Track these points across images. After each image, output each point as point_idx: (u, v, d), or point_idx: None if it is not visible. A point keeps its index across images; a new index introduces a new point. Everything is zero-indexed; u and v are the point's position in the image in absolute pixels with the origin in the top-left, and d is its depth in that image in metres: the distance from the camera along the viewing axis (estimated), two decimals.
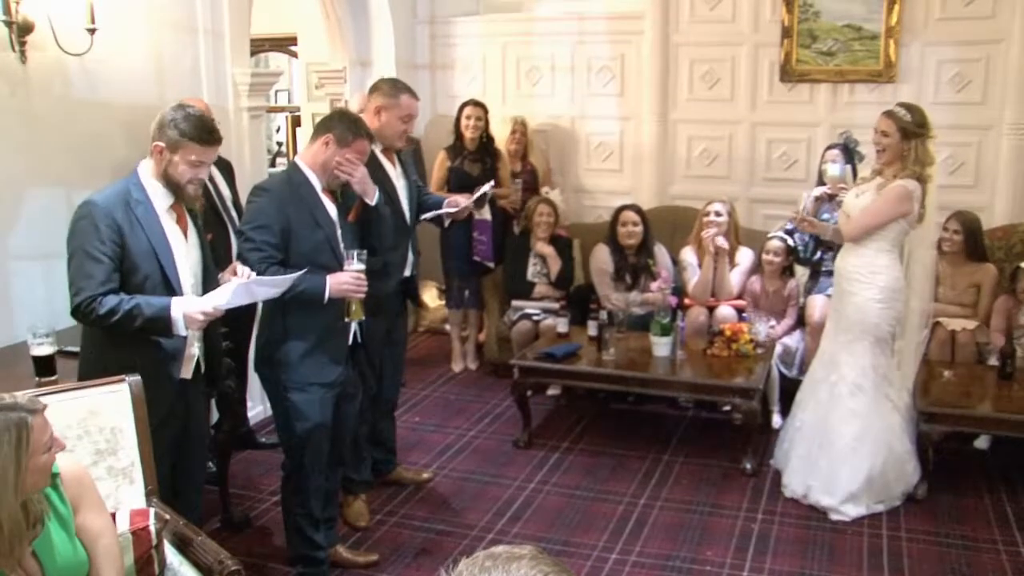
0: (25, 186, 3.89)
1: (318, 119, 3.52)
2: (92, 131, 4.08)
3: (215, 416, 3.99)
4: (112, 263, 2.74)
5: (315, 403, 3.33)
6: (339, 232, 3.35)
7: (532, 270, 5.76)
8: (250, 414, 4.94)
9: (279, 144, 9.85)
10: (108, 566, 2.25)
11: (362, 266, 3.27)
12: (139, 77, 4.36)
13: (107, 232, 2.73)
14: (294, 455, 3.41)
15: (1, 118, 3.75)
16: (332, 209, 3.34)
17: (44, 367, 3.19)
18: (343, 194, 3.44)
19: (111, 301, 2.72)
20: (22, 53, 3.74)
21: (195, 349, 2.98)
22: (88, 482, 2.31)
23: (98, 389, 2.62)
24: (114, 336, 2.79)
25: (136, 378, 2.66)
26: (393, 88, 3.97)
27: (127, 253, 2.77)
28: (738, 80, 6.13)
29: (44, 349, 3.19)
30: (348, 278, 3.23)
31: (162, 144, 2.82)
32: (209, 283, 2.98)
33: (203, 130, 2.84)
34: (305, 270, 3.11)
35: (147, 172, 2.87)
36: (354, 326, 3.43)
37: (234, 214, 4.38)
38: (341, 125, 3.31)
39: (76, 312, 2.76)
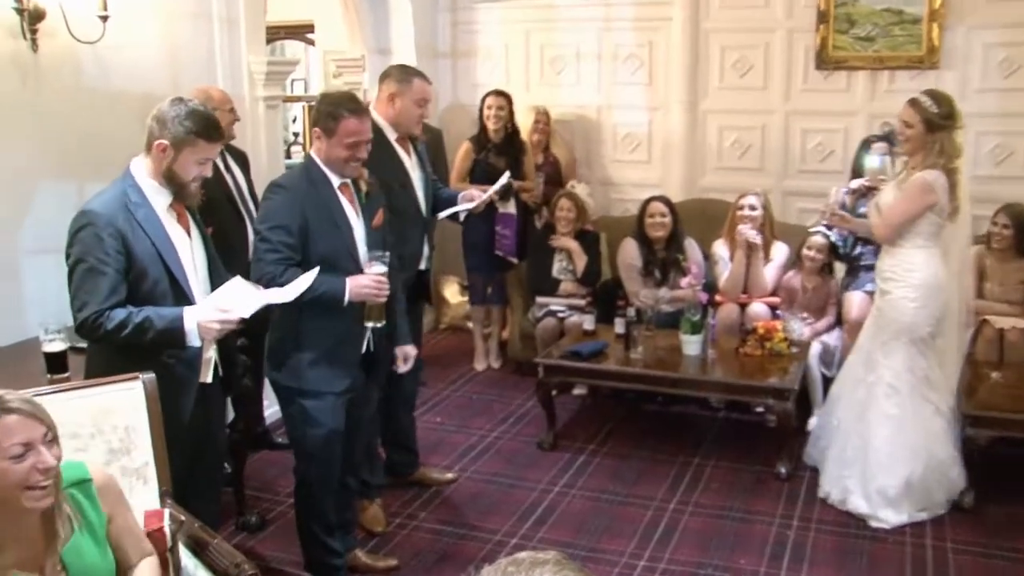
0: (36, 179, 3.92)
1: None
2: (105, 122, 4.09)
3: (230, 415, 4.00)
4: (118, 274, 2.69)
5: (327, 409, 3.30)
6: (357, 233, 3.31)
7: (557, 266, 5.75)
8: (266, 413, 4.95)
9: (295, 135, 9.88)
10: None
11: (384, 268, 3.23)
12: (152, 66, 4.38)
13: (111, 242, 2.68)
14: (306, 461, 3.40)
15: (12, 108, 3.78)
16: (350, 209, 3.30)
17: (56, 364, 3.21)
18: (362, 192, 3.41)
19: (119, 315, 2.68)
20: (33, 41, 3.76)
21: (212, 352, 2.95)
22: (116, 491, 2.28)
23: (111, 387, 2.62)
24: (124, 347, 2.75)
25: (150, 376, 2.65)
26: (403, 73, 3.97)
27: (132, 260, 2.72)
28: (771, 68, 6.08)
29: (56, 345, 3.21)
30: (368, 281, 3.20)
31: (165, 142, 2.75)
32: (216, 279, 2.95)
33: (210, 126, 2.80)
34: (316, 269, 3.04)
35: (143, 171, 2.81)
36: (368, 333, 3.40)
37: (251, 206, 4.39)
38: (322, 115, 3.22)
39: (82, 328, 2.71)
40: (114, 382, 2.64)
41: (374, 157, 3.37)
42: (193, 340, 2.74)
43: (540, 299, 5.72)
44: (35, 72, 3.83)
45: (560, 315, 5.56)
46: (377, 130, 3.75)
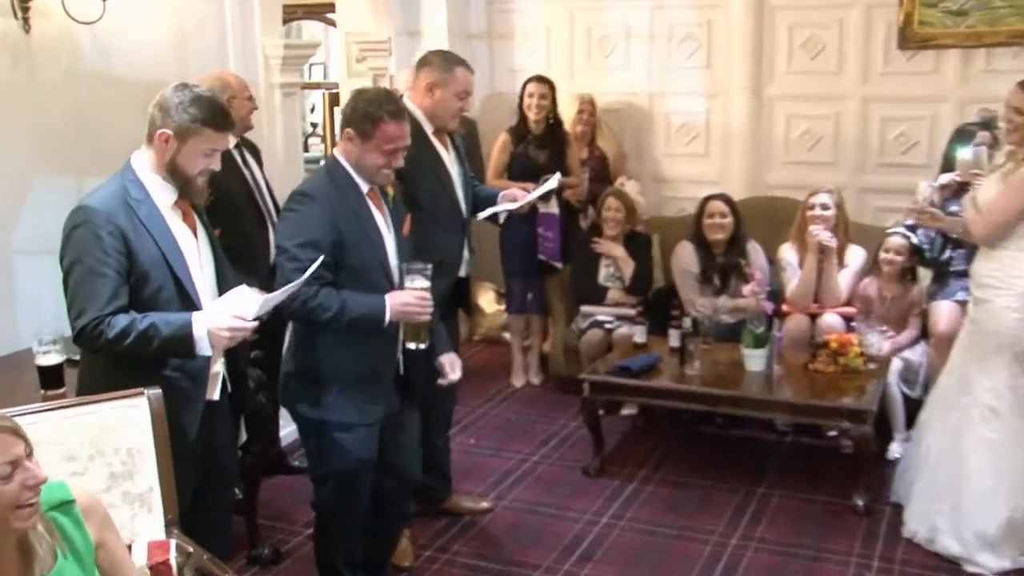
0: (29, 172, 3.94)
1: None
2: (104, 110, 4.11)
3: (242, 436, 3.99)
4: (119, 277, 2.68)
5: (359, 441, 3.27)
6: (388, 244, 3.29)
7: (604, 272, 5.72)
8: (282, 433, 4.95)
9: (313, 125, 9.93)
10: None
11: (427, 283, 3.19)
12: (157, 49, 4.40)
13: (110, 241, 2.67)
14: (330, 495, 3.36)
15: (2, 95, 3.80)
16: (380, 217, 3.28)
17: (50, 378, 3.21)
18: (389, 197, 3.39)
19: (121, 321, 2.66)
20: (25, 21, 3.78)
21: (219, 366, 2.94)
22: (103, 512, 2.29)
23: (113, 404, 2.62)
24: (122, 358, 2.73)
25: (156, 391, 2.65)
26: (445, 61, 3.96)
27: (134, 263, 2.70)
28: (847, 48, 6.00)
29: (51, 358, 3.22)
30: (411, 298, 3.16)
31: (168, 131, 2.74)
32: (224, 285, 2.93)
33: (217, 113, 2.79)
34: (319, 258, 3.00)
35: (145, 165, 2.80)
36: (399, 355, 3.37)
37: (270, 204, 4.40)
38: (356, 116, 3.18)
39: (80, 338, 2.70)
40: (116, 398, 2.64)
41: (409, 152, 3.35)
42: (203, 349, 2.72)
43: (585, 308, 5.70)
44: (27, 55, 3.85)
45: (607, 326, 5.53)
46: (413, 122, 3.75)
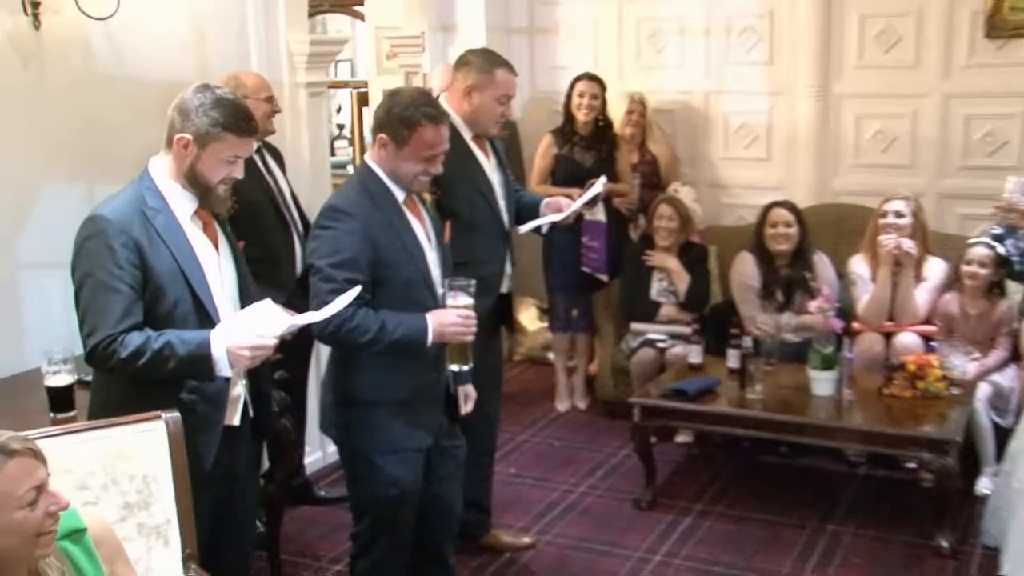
0: (39, 180, 4.00)
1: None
2: (119, 113, 4.16)
3: (264, 464, 4.01)
4: (133, 292, 2.70)
5: (405, 466, 3.29)
6: (430, 256, 3.30)
7: (656, 286, 5.71)
8: (307, 460, 4.98)
9: (340, 127, 9.99)
10: None
11: (470, 300, 3.21)
12: (174, 46, 4.44)
13: (124, 253, 2.69)
14: (370, 525, 3.38)
15: (10, 97, 3.86)
16: (418, 227, 3.30)
17: (61, 401, 3.24)
18: (427, 205, 3.41)
19: (135, 340, 2.68)
20: (35, 17, 3.84)
21: (240, 388, 2.95)
22: (115, 542, 2.31)
23: (128, 428, 2.64)
24: (136, 379, 2.76)
25: (174, 415, 2.67)
26: (486, 62, 3.97)
27: (150, 276, 2.73)
28: (926, 39, 5.95)
29: (61, 379, 3.24)
30: (454, 317, 3.17)
31: (188, 136, 2.76)
32: (248, 301, 2.94)
33: (240, 117, 2.80)
34: (356, 288, 3.00)
35: (163, 172, 2.83)
36: (448, 375, 3.39)
37: (295, 212, 4.44)
38: (391, 120, 3.19)
39: (92, 357, 2.73)
40: (131, 422, 2.67)
41: (447, 160, 3.37)
42: (223, 369, 2.73)
43: (636, 326, 5.69)
44: (37, 54, 3.91)
45: (660, 345, 5.52)
46: (450, 128, 3.77)
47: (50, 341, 3.52)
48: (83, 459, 2.55)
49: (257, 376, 3.02)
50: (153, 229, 2.75)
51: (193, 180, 2.81)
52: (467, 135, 3.98)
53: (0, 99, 3.82)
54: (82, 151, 4.08)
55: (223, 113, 2.77)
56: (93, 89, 4.12)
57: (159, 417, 2.67)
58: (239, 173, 2.87)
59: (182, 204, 2.83)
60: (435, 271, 3.30)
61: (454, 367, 3.29)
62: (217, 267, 2.90)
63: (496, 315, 4.13)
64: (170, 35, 4.43)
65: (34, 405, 3.30)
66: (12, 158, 3.87)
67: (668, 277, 5.69)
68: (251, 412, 3.02)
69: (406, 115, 3.16)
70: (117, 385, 2.83)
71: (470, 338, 3.22)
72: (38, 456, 2.07)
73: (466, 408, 3.53)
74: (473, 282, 3.23)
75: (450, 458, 3.49)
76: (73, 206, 3.94)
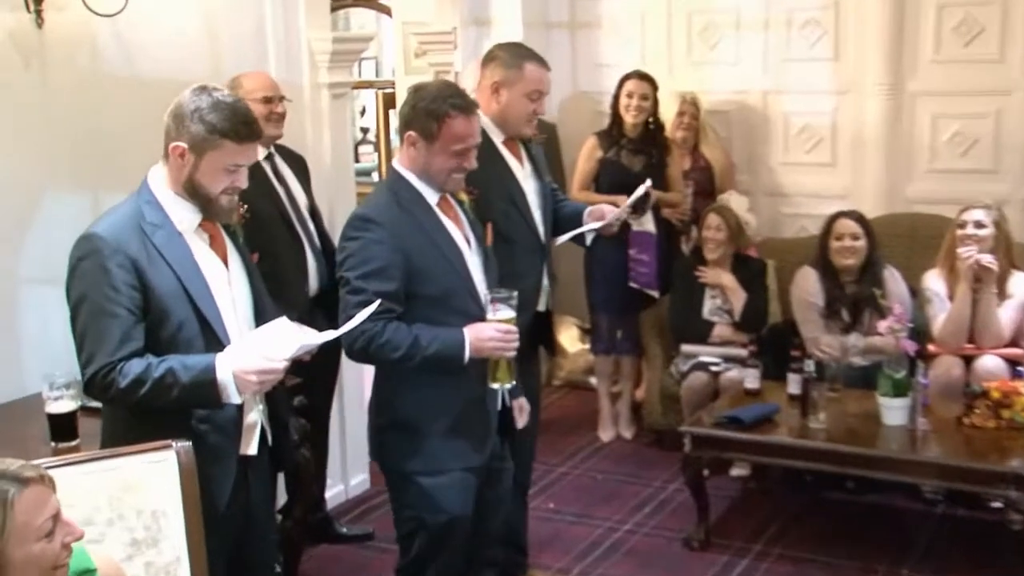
0: (40, 189, 4.04)
1: None
2: (127, 116, 4.20)
3: (281, 497, 4.02)
4: (132, 316, 2.72)
5: (453, 488, 3.32)
6: (471, 261, 3.34)
7: (709, 304, 5.71)
8: (328, 494, 4.99)
9: (364, 131, 10.03)
10: None
11: (511, 313, 3.25)
12: (187, 45, 4.50)
13: (120, 275, 2.70)
14: (416, 555, 3.40)
15: (10, 100, 3.90)
16: (455, 231, 3.34)
17: (63, 428, 3.27)
18: (465, 205, 3.44)
19: (135, 367, 2.69)
20: (38, 14, 3.89)
21: (255, 414, 2.96)
22: None
23: (136, 459, 2.65)
24: (140, 412, 2.78)
25: (186, 444, 2.68)
26: (514, 56, 4.00)
27: (151, 298, 2.74)
28: (1011, 30, 5.92)
29: (63, 404, 3.28)
30: (493, 332, 3.21)
31: (183, 144, 2.77)
32: (264, 320, 2.95)
33: (239, 121, 2.80)
34: (376, 302, 3.05)
35: (162, 183, 2.84)
36: (502, 389, 3.42)
37: (312, 227, 4.46)
38: (418, 115, 3.23)
39: (91, 388, 2.76)
40: (138, 452, 2.68)
41: (477, 165, 3.40)
42: (231, 396, 2.74)
43: (687, 347, 5.69)
44: (40, 53, 3.96)
45: (713, 368, 5.53)
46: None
47: (51, 363, 3.55)
48: (87, 492, 2.57)
49: (275, 401, 3.04)
50: (152, 246, 2.77)
51: (193, 191, 2.82)
52: (497, 138, 3.99)
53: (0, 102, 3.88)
54: (87, 157, 4.13)
55: (220, 118, 2.77)
56: (99, 91, 4.17)
57: (169, 447, 2.68)
58: (243, 182, 2.87)
59: (184, 216, 2.84)
60: (478, 276, 3.35)
61: (495, 385, 3.32)
62: (226, 283, 2.91)
63: (533, 335, 4.13)
64: (182, 33, 4.48)
65: (34, 433, 3.33)
66: (12, 165, 3.91)
67: (722, 294, 5.69)
68: (269, 440, 3.03)
69: (433, 107, 3.21)
70: (121, 413, 2.85)
71: (512, 354, 3.26)
72: (50, 483, 2.11)
73: (521, 421, 3.59)
74: (515, 294, 3.27)
75: (497, 481, 3.53)
76: (77, 217, 3.96)
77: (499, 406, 3.47)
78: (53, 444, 3.24)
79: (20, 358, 3.92)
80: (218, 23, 4.64)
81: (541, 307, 4.16)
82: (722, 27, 6.59)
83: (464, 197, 3.45)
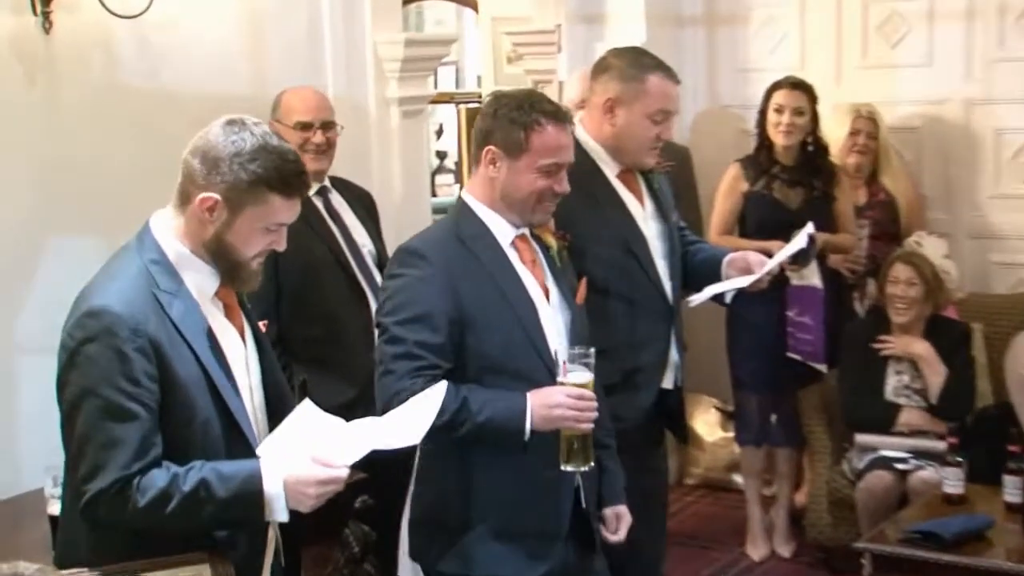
0: (43, 231, 4.15)
1: None
2: (150, 141, 4.31)
3: None
4: (151, 415, 2.65)
5: None
6: (546, 316, 3.36)
7: (894, 380, 5.68)
8: None
9: (441, 156, 9.99)
10: None
11: (588, 376, 3.25)
12: (224, 52, 4.62)
13: (140, 363, 2.63)
14: None
15: (12, 122, 4.01)
16: (531, 279, 3.37)
17: None
18: (552, 250, 3.47)
19: (157, 480, 2.63)
20: (46, 17, 4.00)
21: (271, 533, 2.96)
22: None
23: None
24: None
25: (225, 564, 2.69)
26: (633, 65, 4.00)
27: (171, 390, 2.69)
28: None
29: None
30: (563, 397, 3.20)
31: (215, 196, 2.73)
32: (277, 405, 2.98)
33: (290, 172, 2.78)
34: (442, 384, 3.04)
35: (173, 237, 2.81)
36: (578, 478, 3.43)
37: (378, 278, 4.48)
38: (499, 123, 3.28)
39: (92, 507, 2.65)
40: (161, 567, 2.71)
41: (579, 206, 3.44)
42: (278, 512, 2.72)
43: (863, 438, 5.64)
44: (48, 64, 4.09)
45: (900, 466, 5.47)
46: (586, 159, 3.82)
47: (54, 454, 3.60)
48: None
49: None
50: (170, 322, 2.71)
51: (218, 252, 2.79)
52: (611, 171, 4.02)
53: None
54: (101, 195, 4.23)
55: (267, 165, 2.74)
56: (117, 110, 4.29)
57: (204, 562, 2.69)
58: (281, 244, 2.86)
59: (201, 282, 2.82)
60: (555, 338, 3.35)
61: (567, 467, 3.29)
62: (244, 367, 2.92)
63: (658, 420, 4.16)
64: (218, 38, 4.59)
65: (33, 539, 3.42)
66: (9, 205, 4.01)
67: (912, 368, 5.62)
68: (283, 559, 3.04)
69: (518, 115, 3.25)
70: (95, 543, 2.77)
71: (587, 427, 3.24)
72: None
73: (615, 535, 3.54)
74: (591, 351, 3.25)
75: None
76: (88, 269, 4.03)
77: (573, 500, 3.42)
78: (55, 551, 3.22)
79: (16, 446, 4.01)
80: (262, 25, 4.74)
81: (668, 383, 4.15)
82: (909, 19, 6.56)
83: (552, 241, 3.46)
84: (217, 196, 2.73)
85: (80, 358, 2.66)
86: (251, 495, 2.67)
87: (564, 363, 3.24)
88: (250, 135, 2.76)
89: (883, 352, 5.67)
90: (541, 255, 3.43)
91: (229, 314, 2.90)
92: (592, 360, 3.25)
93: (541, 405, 3.19)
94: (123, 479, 2.60)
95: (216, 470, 2.66)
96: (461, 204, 3.40)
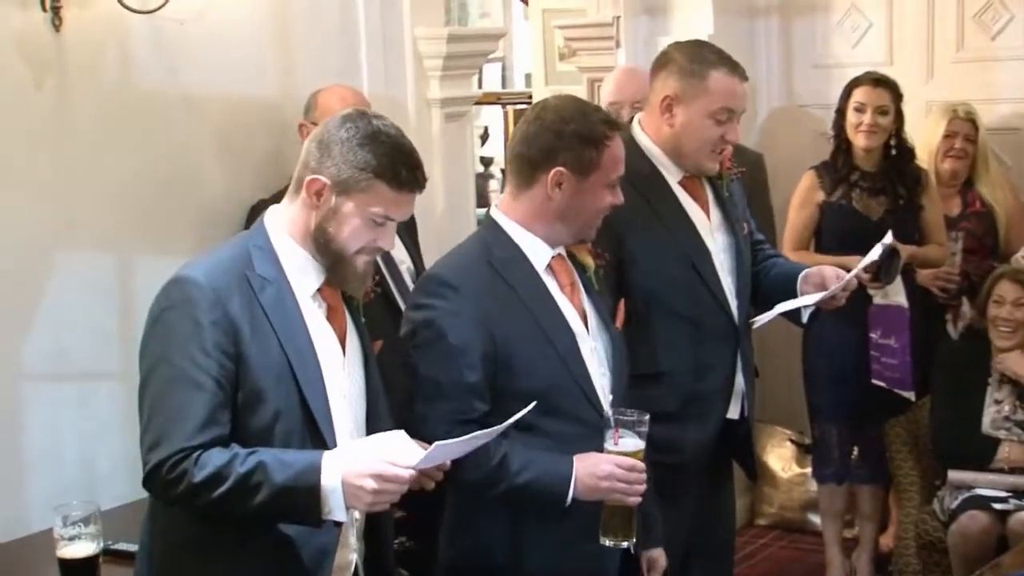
0: (51, 250, 4.19)
1: None
2: (169, 149, 4.37)
3: None
4: (221, 391, 2.77)
5: None
6: (587, 348, 3.37)
7: (993, 411, 5.64)
8: None
9: (486, 163, 9.94)
10: None
11: (639, 444, 3.25)
12: (250, 49, 4.66)
13: (214, 335, 2.77)
14: None
15: (18, 129, 4.06)
16: (569, 307, 3.37)
17: None
18: (590, 271, 3.48)
19: (216, 458, 2.73)
20: (55, 12, 4.06)
21: (353, 554, 3.03)
22: None
23: None
24: (207, 527, 2.86)
25: None
26: (695, 59, 3.99)
27: (245, 373, 2.81)
28: None
29: (80, 547, 3.33)
30: (611, 468, 3.19)
31: (324, 179, 2.87)
32: (378, 427, 3.03)
33: (401, 162, 2.88)
34: (531, 404, 3.08)
35: (282, 226, 2.97)
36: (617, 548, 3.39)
37: None
38: (567, 139, 3.25)
39: (153, 480, 2.78)
40: None
41: (636, 214, 3.48)
42: (334, 510, 2.77)
43: (957, 475, 5.60)
44: (57, 64, 4.14)
45: (998, 506, 5.43)
46: (644, 163, 3.85)
47: (64, 491, 3.69)
48: None
49: (380, 539, 3.09)
50: (259, 305, 2.86)
51: (322, 243, 2.92)
52: (672, 177, 4.01)
53: (4, 134, 4.01)
54: (115, 208, 4.27)
55: (378, 152, 2.86)
56: (132, 114, 4.33)
57: None
58: (388, 243, 2.97)
59: (302, 275, 2.94)
60: (597, 370, 3.36)
61: (608, 541, 3.28)
62: (342, 371, 2.99)
63: (724, 453, 4.18)
64: (242, 34, 4.63)
65: None
66: (15, 221, 4.05)
67: (1013, 398, 5.60)
68: None
69: (587, 130, 3.25)
70: (172, 546, 2.93)
71: (635, 500, 3.23)
72: None
73: None
74: (646, 418, 3.24)
75: None
76: (100, 291, 4.10)
77: (618, 564, 3.42)
78: None
79: (23, 482, 4.04)
80: (291, 19, 4.79)
81: (733, 413, 4.15)
82: (1011, 6, 6.51)
83: (590, 261, 3.47)
84: (326, 180, 2.88)
85: (159, 326, 2.86)
86: (307, 486, 2.74)
87: (616, 430, 3.23)
88: (367, 124, 2.91)
89: (997, 367, 5.62)
90: (576, 276, 3.44)
91: (330, 315, 3.01)
92: (646, 428, 3.24)
93: (588, 474, 3.19)
94: (184, 450, 2.73)
95: (277, 456, 2.77)
96: (491, 223, 3.40)
